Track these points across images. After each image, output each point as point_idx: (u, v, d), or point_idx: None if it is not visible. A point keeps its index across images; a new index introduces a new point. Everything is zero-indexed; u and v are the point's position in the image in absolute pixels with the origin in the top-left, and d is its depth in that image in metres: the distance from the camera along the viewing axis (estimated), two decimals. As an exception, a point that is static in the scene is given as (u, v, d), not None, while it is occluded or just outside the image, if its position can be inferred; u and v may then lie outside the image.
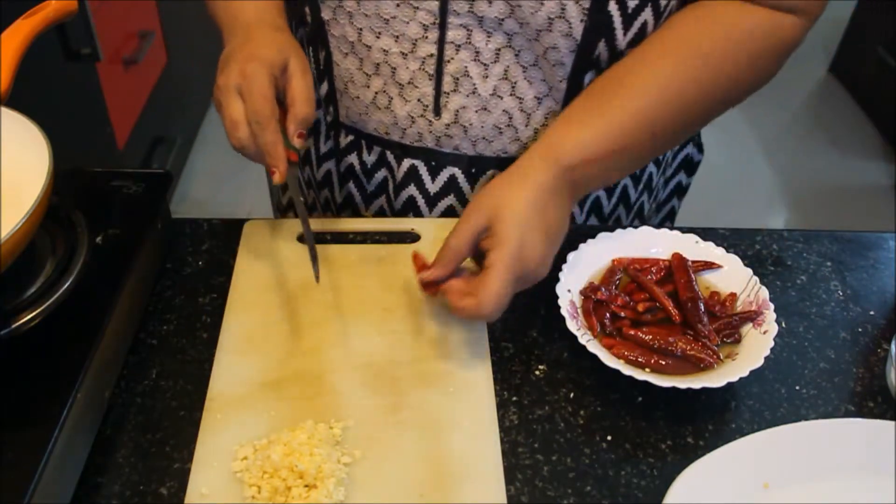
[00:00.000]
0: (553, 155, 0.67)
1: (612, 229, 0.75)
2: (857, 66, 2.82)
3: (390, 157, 0.82)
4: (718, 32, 0.69)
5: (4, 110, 0.64)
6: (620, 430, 0.64)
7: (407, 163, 0.81)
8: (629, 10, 0.69)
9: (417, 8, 0.71)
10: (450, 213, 0.83)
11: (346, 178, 0.87)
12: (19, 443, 0.53)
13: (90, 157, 1.66)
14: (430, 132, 0.78)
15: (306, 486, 0.56)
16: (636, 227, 0.76)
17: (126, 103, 1.83)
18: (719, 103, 0.72)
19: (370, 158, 0.84)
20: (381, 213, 0.88)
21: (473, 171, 0.80)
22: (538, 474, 0.60)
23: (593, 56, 0.72)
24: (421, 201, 0.83)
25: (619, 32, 0.70)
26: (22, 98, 0.66)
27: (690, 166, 0.96)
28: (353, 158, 0.85)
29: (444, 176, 0.81)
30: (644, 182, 0.88)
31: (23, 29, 0.66)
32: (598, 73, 0.73)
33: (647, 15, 0.70)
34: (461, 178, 0.81)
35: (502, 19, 0.70)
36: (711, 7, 0.70)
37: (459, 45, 0.72)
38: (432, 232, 0.79)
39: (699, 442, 0.63)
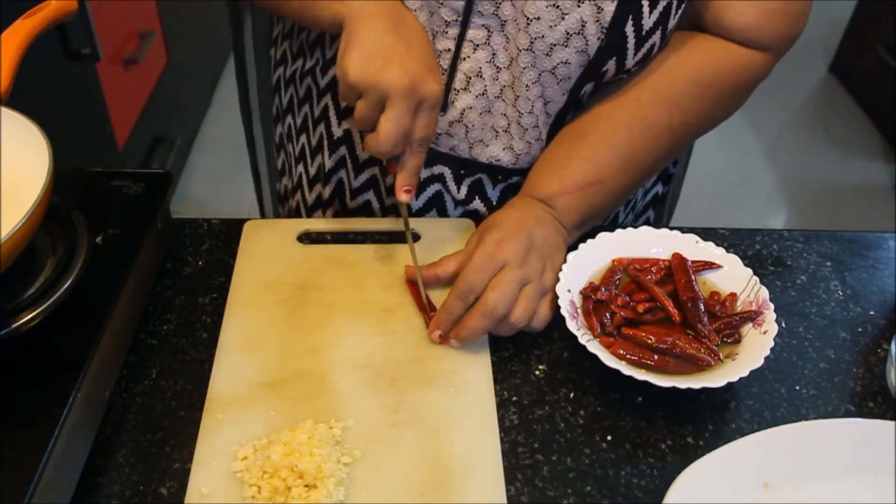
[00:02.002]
0: (531, 191, 0.75)
1: (611, 229, 0.75)
2: (857, 66, 2.82)
3: None
4: (692, 77, 0.74)
5: (4, 110, 0.64)
6: (620, 430, 0.64)
7: None
8: (643, 32, 0.70)
9: (442, 4, 0.71)
10: (437, 198, 0.83)
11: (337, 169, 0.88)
12: (19, 443, 0.53)
13: (90, 157, 1.66)
14: None
15: (306, 486, 0.56)
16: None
17: (126, 103, 1.83)
18: (689, 139, 0.79)
19: (364, 154, 0.84)
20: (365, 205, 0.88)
21: (462, 172, 0.81)
22: (538, 474, 0.60)
23: (600, 71, 0.73)
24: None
25: (630, 52, 0.71)
26: (22, 98, 0.66)
27: (666, 176, 0.98)
28: (343, 151, 0.85)
29: (434, 171, 0.81)
30: None
31: (23, 29, 0.65)
32: (596, 86, 0.76)
33: (656, 38, 0.72)
34: (448, 175, 0.81)
35: (520, 29, 0.70)
36: (690, 43, 0.74)
37: (478, 45, 0.73)
38: (432, 232, 0.79)
39: (699, 442, 0.63)
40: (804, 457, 0.60)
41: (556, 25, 0.69)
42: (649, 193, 0.97)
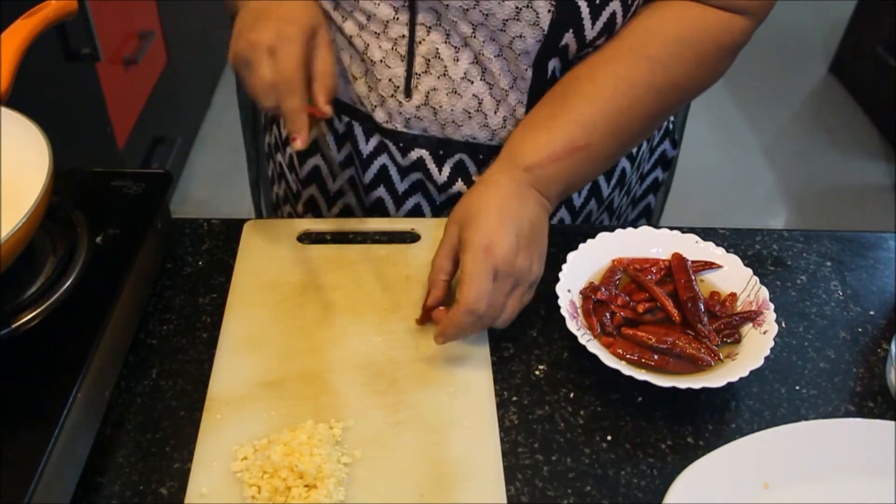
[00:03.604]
0: (512, 159, 0.71)
1: (612, 229, 0.75)
2: (857, 66, 2.82)
3: (358, 130, 0.83)
4: (670, 35, 0.72)
5: (4, 110, 0.64)
6: (620, 430, 0.64)
7: (375, 139, 0.82)
8: (597, 1, 0.69)
9: None
10: (419, 185, 0.83)
11: (312, 151, 0.88)
12: (19, 443, 0.53)
13: (90, 157, 1.66)
14: (400, 113, 0.78)
15: (306, 486, 0.56)
16: (610, 222, 0.76)
17: (126, 103, 1.83)
18: (674, 102, 0.76)
19: (340, 126, 0.84)
20: (352, 184, 0.88)
21: (441, 153, 0.81)
22: (538, 474, 0.60)
23: (559, 45, 0.72)
24: (393, 170, 0.83)
25: (587, 23, 0.71)
26: (22, 98, 0.66)
27: (665, 162, 0.97)
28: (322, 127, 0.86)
29: (412, 156, 0.81)
30: (617, 177, 0.88)
31: (23, 29, 0.65)
32: (562, 61, 0.75)
33: (615, 5, 0.71)
34: (429, 158, 0.81)
35: (466, 10, 0.70)
36: (666, 8, 0.73)
37: (430, 27, 0.73)
38: (432, 232, 0.79)
39: (699, 442, 0.63)
40: (804, 457, 0.60)
41: (504, 1, 0.69)
42: (647, 179, 0.97)
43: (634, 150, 0.89)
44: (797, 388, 0.68)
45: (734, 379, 0.62)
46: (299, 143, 0.66)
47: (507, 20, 0.70)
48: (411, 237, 0.79)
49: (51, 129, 0.63)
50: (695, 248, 0.75)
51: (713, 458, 0.59)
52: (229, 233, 0.79)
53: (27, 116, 0.64)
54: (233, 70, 0.72)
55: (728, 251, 0.74)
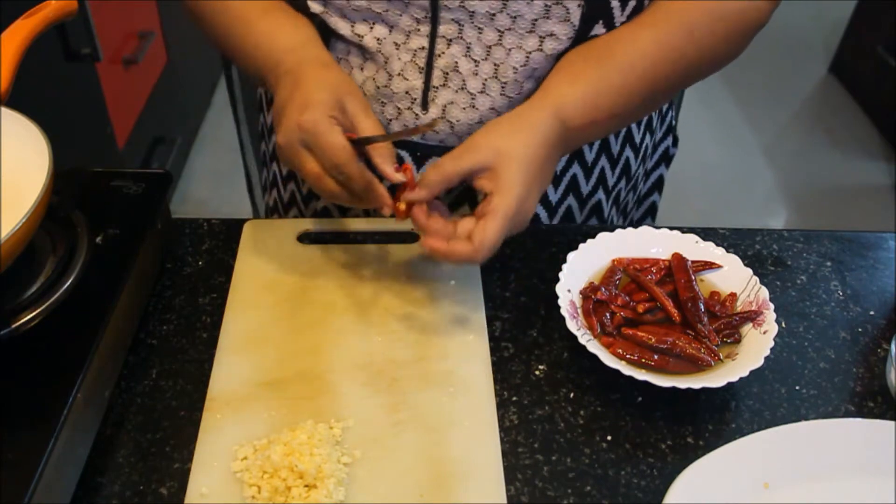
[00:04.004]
0: (557, 113, 0.68)
1: (612, 229, 0.75)
2: (857, 66, 2.82)
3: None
4: (706, 6, 0.72)
5: (4, 110, 0.64)
6: (620, 430, 0.64)
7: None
8: None
9: (409, 3, 0.71)
10: None
11: None
12: (19, 443, 0.53)
13: (90, 157, 1.66)
14: (416, 126, 0.78)
15: (306, 486, 0.56)
16: (617, 217, 0.76)
17: (126, 103, 1.83)
18: (695, 75, 0.76)
19: None
20: None
21: None
22: (538, 474, 0.60)
23: (588, 38, 0.72)
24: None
25: (616, 11, 0.71)
26: (22, 98, 0.66)
27: (668, 159, 0.98)
28: None
29: (428, 165, 0.81)
30: (622, 167, 0.88)
31: (23, 29, 0.65)
32: None
33: None
34: None
35: (494, 14, 0.70)
36: None
37: (451, 40, 0.73)
38: (432, 232, 0.79)
39: (699, 442, 0.63)
40: (804, 457, 0.60)
41: (532, 0, 0.69)
42: (651, 176, 0.97)
43: (639, 144, 0.89)
44: (797, 388, 0.67)
45: (734, 379, 0.62)
46: (399, 217, 0.65)
47: (536, 20, 0.70)
48: (411, 237, 0.79)
49: (51, 129, 0.63)
50: (695, 248, 0.75)
51: (713, 458, 0.59)
52: (229, 233, 0.79)
53: (27, 116, 0.64)
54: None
55: (728, 251, 0.74)
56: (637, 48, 0.71)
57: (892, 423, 0.61)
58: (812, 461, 0.60)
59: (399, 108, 0.78)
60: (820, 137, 2.68)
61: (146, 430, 0.62)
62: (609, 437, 0.63)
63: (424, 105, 0.77)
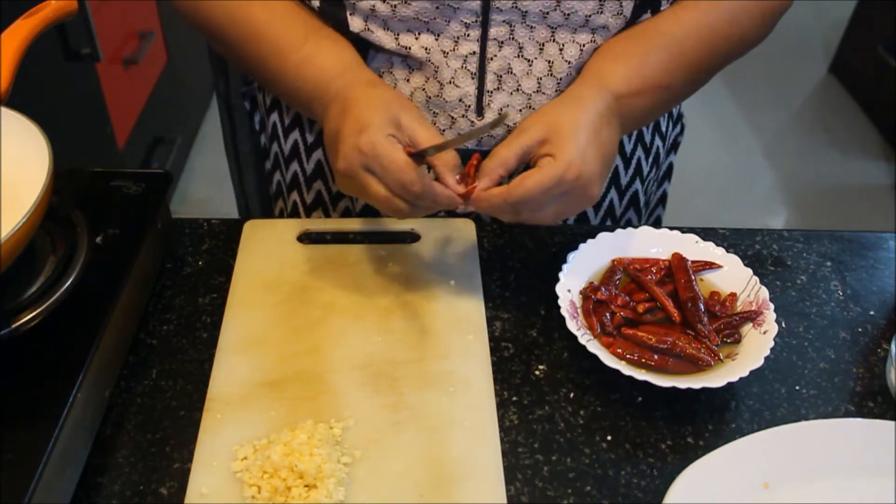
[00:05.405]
0: (602, 84, 0.69)
1: (611, 229, 0.75)
2: (857, 66, 2.82)
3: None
4: None
5: (4, 110, 0.64)
6: (620, 430, 0.64)
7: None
8: None
9: (457, 8, 0.70)
10: None
11: None
12: (19, 443, 0.53)
13: (90, 157, 1.66)
14: None
15: (306, 486, 0.56)
16: (635, 214, 0.76)
17: (126, 103, 1.83)
18: (733, 55, 0.77)
19: None
20: None
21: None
22: (538, 474, 0.60)
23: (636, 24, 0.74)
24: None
25: (664, 3, 0.73)
26: (22, 98, 0.66)
27: (676, 146, 0.98)
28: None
29: None
30: (653, 155, 0.89)
31: (23, 29, 0.66)
32: None
33: None
34: None
35: (547, 13, 0.70)
36: None
37: (502, 42, 0.72)
38: (432, 232, 0.79)
39: (699, 442, 0.63)
40: (804, 457, 0.60)
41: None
42: (658, 191, 0.97)
43: (665, 132, 0.90)
44: (797, 388, 0.67)
45: (734, 379, 0.62)
46: (471, 208, 0.64)
47: (590, 15, 0.70)
48: (411, 237, 0.79)
49: (51, 129, 0.63)
50: (695, 248, 0.75)
51: (713, 458, 0.59)
52: (229, 233, 0.79)
53: (27, 116, 0.64)
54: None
55: (728, 251, 0.74)
56: (681, 28, 0.73)
57: (892, 423, 0.62)
58: (812, 461, 0.60)
59: (453, 117, 0.76)
60: (820, 137, 2.68)
61: (146, 430, 0.62)
62: (609, 437, 0.63)
63: (479, 111, 0.75)
